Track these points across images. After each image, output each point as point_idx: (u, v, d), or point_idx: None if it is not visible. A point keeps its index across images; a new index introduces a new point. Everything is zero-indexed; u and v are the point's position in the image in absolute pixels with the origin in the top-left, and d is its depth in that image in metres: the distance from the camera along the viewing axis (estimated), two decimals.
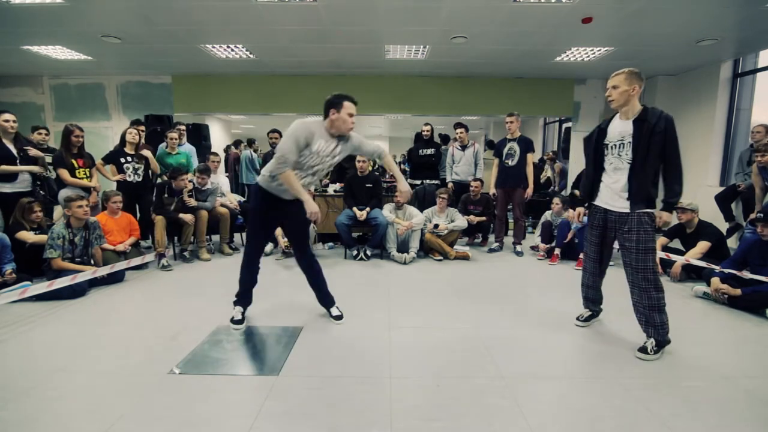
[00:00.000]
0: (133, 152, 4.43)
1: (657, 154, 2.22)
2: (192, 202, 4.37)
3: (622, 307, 2.65)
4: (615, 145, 2.37)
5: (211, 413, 1.75)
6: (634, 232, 2.28)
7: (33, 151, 3.86)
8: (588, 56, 5.69)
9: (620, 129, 2.35)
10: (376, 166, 7.07)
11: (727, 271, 3.23)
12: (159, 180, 4.78)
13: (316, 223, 2.58)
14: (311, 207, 2.33)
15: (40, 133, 4.44)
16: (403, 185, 2.66)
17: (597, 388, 1.98)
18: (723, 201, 4.67)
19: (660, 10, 4.05)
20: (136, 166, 4.43)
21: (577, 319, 2.75)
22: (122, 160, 4.38)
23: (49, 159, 4.13)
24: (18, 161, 3.74)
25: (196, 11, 4.21)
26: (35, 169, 3.82)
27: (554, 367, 2.18)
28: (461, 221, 4.65)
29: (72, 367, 2.12)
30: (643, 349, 2.29)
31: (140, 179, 4.47)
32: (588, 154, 2.58)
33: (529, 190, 4.74)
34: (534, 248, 4.90)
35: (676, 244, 4.07)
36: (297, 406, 1.80)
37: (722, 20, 4.28)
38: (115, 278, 3.56)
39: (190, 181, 4.42)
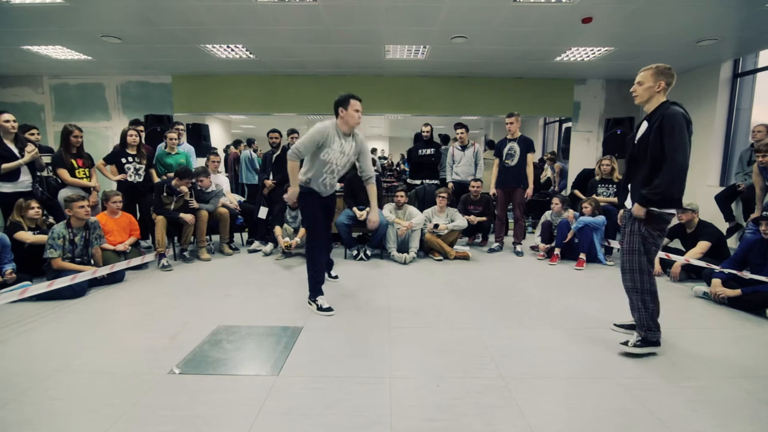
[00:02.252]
0: (134, 152, 4.43)
1: (652, 154, 2.16)
2: (194, 203, 4.37)
3: (622, 308, 2.64)
4: (636, 143, 2.33)
5: (211, 413, 1.75)
6: (627, 230, 2.32)
7: (30, 147, 3.78)
8: (588, 56, 5.69)
9: (642, 126, 2.30)
10: (376, 166, 7.06)
11: (727, 271, 3.23)
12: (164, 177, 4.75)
13: (291, 208, 3.20)
14: (290, 193, 2.82)
15: (32, 134, 4.26)
16: (374, 215, 3.07)
17: (597, 388, 1.98)
18: (723, 201, 4.67)
19: (660, 10, 4.05)
20: (137, 166, 4.44)
21: (614, 324, 2.67)
22: (123, 160, 4.38)
23: (47, 159, 4.09)
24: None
25: (196, 11, 4.21)
26: (27, 157, 3.68)
27: (554, 367, 2.17)
28: (461, 221, 4.65)
29: (72, 367, 2.12)
30: (625, 343, 2.32)
31: (141, 179, 4.47)
32: (626, 154, 2.47)
33: (529, 190, 4.74)
34: (534, 248, 4.89)
35: (676, 244, 4.08)
36: (297, 406, 1.80)
37: (722, 20, 4.28)
38: (115, 278, 3.56)
39: (190, 187, 4.40)
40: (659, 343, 2.30)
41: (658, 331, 2.30)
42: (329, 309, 2.89)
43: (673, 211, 2.23)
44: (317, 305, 2.90)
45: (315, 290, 2.96)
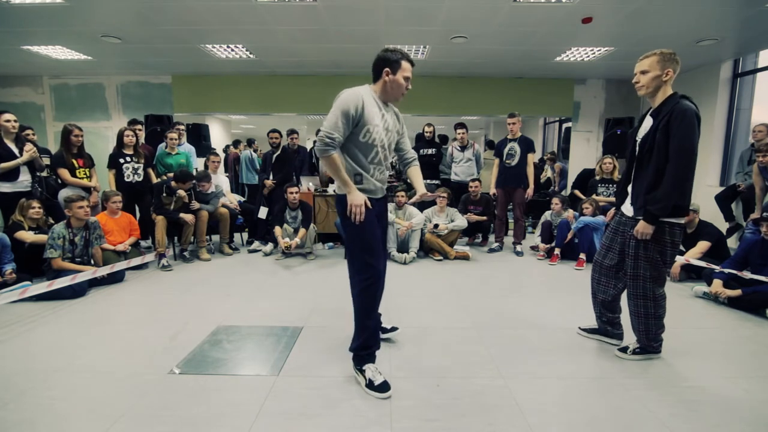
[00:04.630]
0: (131, 152, 4.43)
1: (659, 154, 1.96)
2: (195, 204, 4.38)
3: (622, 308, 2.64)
4: (638, 140, 2.12)
5: (211, 413, 1.75)
6: (633, 237, 2.12)
7: (28, 146, 3.76)
8: (588, 56, 5.69)
9: (646, 123, 2.08)
10: None
11: (727, 271, 3.23)
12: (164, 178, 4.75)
13: (354, 221, 1.88)
14: (354, 198, 1.85)
15: (27, 134, 4.20)
16: (423, 188, 2.14)
17: (597, 388, 1.98)
18: (723, 201, 4.68)
19: (660, 10, 4.05)
20: (135, 165, 4.44)
21: (580, 328, 2.61)
22: (121, 161, 4.38)
23: (46, 161, 4.08)
24: None
25: (196, 11, 4.21)
26: (26, 156, 3.67)
27: (554, 367, 2.17)
28: (461, 221, 4.65)
29: (72, 367, 2.12)
30: (623, 349, 2.28)
31: (140, 179, 4.47)
32: (626, 151, 2.26)
33: (530, 191, 4.74)
34: (534, 248, 4.89)
35: None
36: (297, 406, 1.80)
37: (722, 20, 4.28)
38: (115, 278, 3.56)
39: (189, 191, 4.38)
40: (659, 351, 2.25)
41: (660, 345, 2.25)
42: (384, 387, 1.88)
43: (681, 221, 2.03)
44: (366, 379, 1.92)
45: (365, 355, 1.98)
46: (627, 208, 2.22)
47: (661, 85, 2.01)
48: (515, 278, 3.92)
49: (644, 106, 6.80)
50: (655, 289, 2.15)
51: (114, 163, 4.39)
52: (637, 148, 2.12)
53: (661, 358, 2.26)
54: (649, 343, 2.23)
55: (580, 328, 2.62)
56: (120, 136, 4.42)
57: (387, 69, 1.91)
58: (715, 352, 2.38)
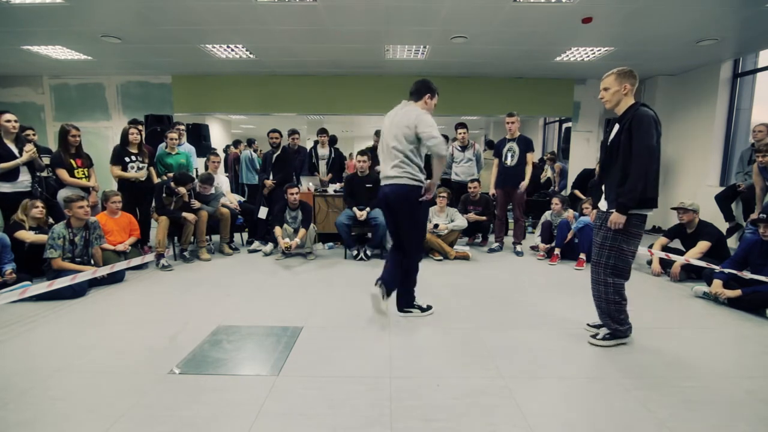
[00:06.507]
0: (136, 151, 4.42)
1: (623, 155, 2.20)
2: (196, 203, 4.38)
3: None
4: (608, 144, 2.40)
5: (211, 413, 1.75)
6: (602, 228, 2.34)
7: (28, 146, 3.76)
8: (588, 56, 5.70)
9: (614, 129, 2.36)
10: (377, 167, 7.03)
11: (727, 271, 3.23)
12: (164, 178, 4.75)
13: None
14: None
15: (26, 135, 4.20)
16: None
17: (597, 388, 1.98)
18: (723, 201, 4.68)
19: (660, 10, 4.05)
20: (140, 165, 4.43)
21: (588, 324, 2.67)
22: (126, 159, 4.36)
23: (46, 160, 4.08)
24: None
25: (196, 11, 4.21)
26: (25, 157, 3.66)
27: (554, 367, 2.17)
28: (461, 221, 4.65)
29: (72, 367, 2.12)
30: (594, 335, 2.42)
31: (145, 177, 4.46)
32: (600, 156, 2.58)
33: (524, 183, 4.66)
34: (534, 248, 4.89)
35: (676, 244, 4.08)
36: (297, 406, 1.80)
37: (722, 20, 4.28)
38: (115, 278, 3.56)
39: (188, 191, 4.38)
40: (627, 335, 2.40)
41: (628, 325, 2.39)
42: (430, 305, 2.92)
43: (648, 212, 2.25)
44: (420, 308, 2.88)
45: (413, 294, 2.89)
46: (602, 204, 2.43)
47: (621, 98, 2.29)
48: (515, 278, 3.92)
49: None
50: (613, 278, 2.33)
51: (119, 160, 4.36)
52: (608, 152, 2.37)
53: (661, 358, 2.26)
54: (616, 327, 2.36)
55: (588, 324, 2.67)
56: (125, 134, 4.38)
57: (428, 95, 2.98)
58: (715, 352, 2.38)
